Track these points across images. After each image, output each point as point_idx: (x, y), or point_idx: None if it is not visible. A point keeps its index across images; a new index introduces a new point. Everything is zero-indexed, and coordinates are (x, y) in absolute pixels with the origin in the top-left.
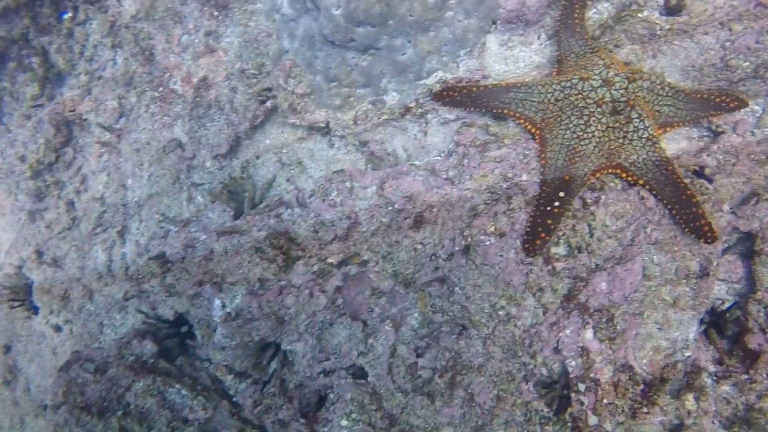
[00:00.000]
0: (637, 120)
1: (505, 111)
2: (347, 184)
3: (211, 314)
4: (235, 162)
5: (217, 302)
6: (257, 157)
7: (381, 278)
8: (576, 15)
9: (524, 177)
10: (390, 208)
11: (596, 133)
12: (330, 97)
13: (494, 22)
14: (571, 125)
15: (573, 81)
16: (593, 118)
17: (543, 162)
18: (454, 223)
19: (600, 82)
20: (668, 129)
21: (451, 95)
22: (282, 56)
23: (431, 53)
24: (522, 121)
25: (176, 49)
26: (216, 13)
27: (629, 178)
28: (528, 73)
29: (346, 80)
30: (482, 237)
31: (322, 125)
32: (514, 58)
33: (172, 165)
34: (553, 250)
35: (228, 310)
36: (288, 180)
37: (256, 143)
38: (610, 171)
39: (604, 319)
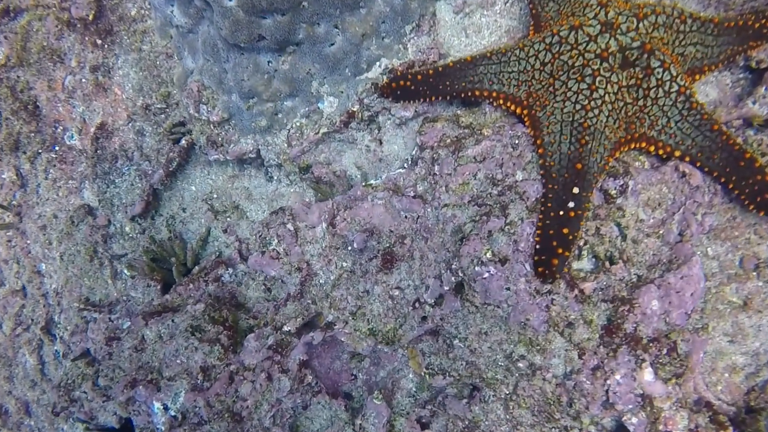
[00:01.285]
0: (660, 69)
1: (477, 92)
2: (289, 226)
3: (152, 421)
4: (158, 220)
5: (157, 405)
6: (184, 210)
7: (356, 339)
8: None
9: (519, 176)
10: (349, 249)
11: (607, 98)
12: (252, 118)
13: None
14: (570, 94)
15: (561, 33)
16: (599, 78)
17: (541, 151)
18: (436, 255)
19: (599, 26)
20: (697, 77)
21: (402, 86)
22: (187, 78)
23: (367, 37)
24: (501, 101)
25: (62, 95)
26: (100, 42)
27: (661, 152)
28: (497, 42)
29: (266, 93)
30: (478, 268)
31: (253, 155)
32: (475, 27)
33: (85, 238)
34: (576, 266)
35: (172, 413)
36: (225, 231)
37: (179, 193)
38: (633, 146)
39: (664, 351)
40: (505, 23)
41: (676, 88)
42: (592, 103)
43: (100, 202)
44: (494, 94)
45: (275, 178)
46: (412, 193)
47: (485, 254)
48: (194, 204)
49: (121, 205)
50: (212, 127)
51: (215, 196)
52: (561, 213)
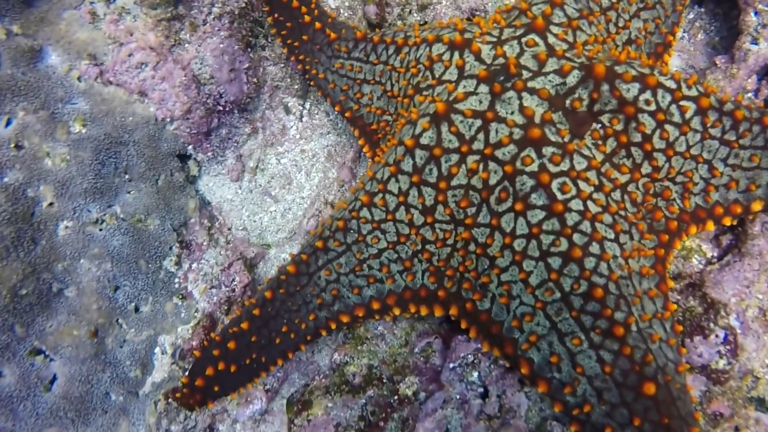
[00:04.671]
0: (646, 94)
1: (343, 317)
2: None
3: None
4: None
5: None
6: None
7: None
8: (307, 17)
9: None
10: None
11: (593, 209)
12: None
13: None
14: (519, 247)
15: (423, 139)
16: (559, 182)
17: (544, 387)
18: None
19: (486, 89)
20: (667, 58)
21: (214, 376)
22: None
23: (106, 326)
24: (396, 310)
25: None
26: None
27: (727, 220)
28: (324, 184)
29: None
30: None
31: None
32: (281, 179)
33: None
34: None
35: None
36: None
37: None
38: (678, 245)
39: None
40: (320, 147)
41: (692, 108)
42: (576, 236)
43: None
44: (375, 305)
45: None
46: None
47: None
48: None
49: None
50: None
51: None
52: None
